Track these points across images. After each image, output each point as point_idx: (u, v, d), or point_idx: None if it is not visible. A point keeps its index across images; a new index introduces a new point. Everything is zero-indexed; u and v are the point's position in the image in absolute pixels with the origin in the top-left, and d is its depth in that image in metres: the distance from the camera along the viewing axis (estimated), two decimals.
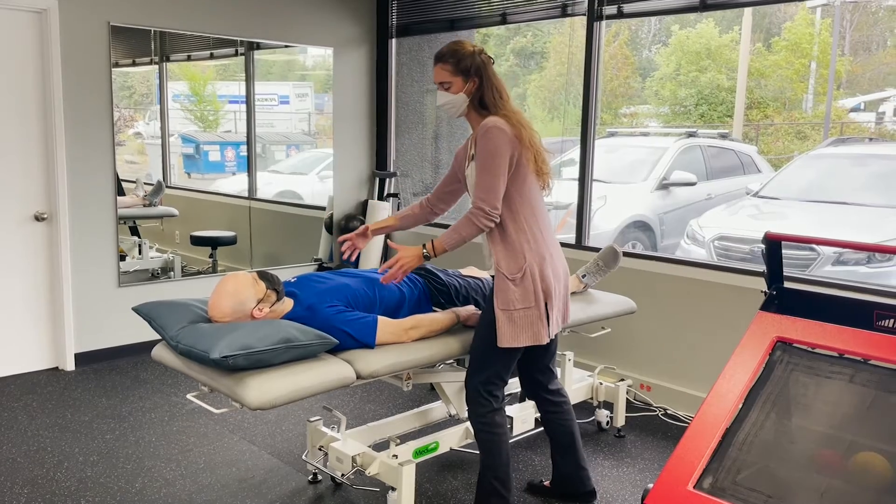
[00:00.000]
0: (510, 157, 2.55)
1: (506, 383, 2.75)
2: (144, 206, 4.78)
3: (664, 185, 6.42)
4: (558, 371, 3.51)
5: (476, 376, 2.71)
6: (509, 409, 3.29)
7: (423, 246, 2.62)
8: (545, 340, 2.64)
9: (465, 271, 3.32)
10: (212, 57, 4.94)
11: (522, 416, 3.27)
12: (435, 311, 2.98)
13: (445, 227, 5.16)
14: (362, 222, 5.60)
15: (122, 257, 4.67)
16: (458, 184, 2.90)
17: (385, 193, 5.72)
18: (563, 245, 4.42)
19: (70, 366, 4.49)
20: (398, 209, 5.68)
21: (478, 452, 3.39)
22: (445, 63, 2.60)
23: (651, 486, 2.07)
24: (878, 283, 3.91)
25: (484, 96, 2.62)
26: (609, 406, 3.82)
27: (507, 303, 2.61)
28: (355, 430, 3.04)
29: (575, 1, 4.39)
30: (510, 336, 2.62)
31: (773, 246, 2.51)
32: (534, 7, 4.63)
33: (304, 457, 3.18)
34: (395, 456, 2.76)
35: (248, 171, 5.22)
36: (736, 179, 6.73)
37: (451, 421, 3.19)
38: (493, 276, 2.72)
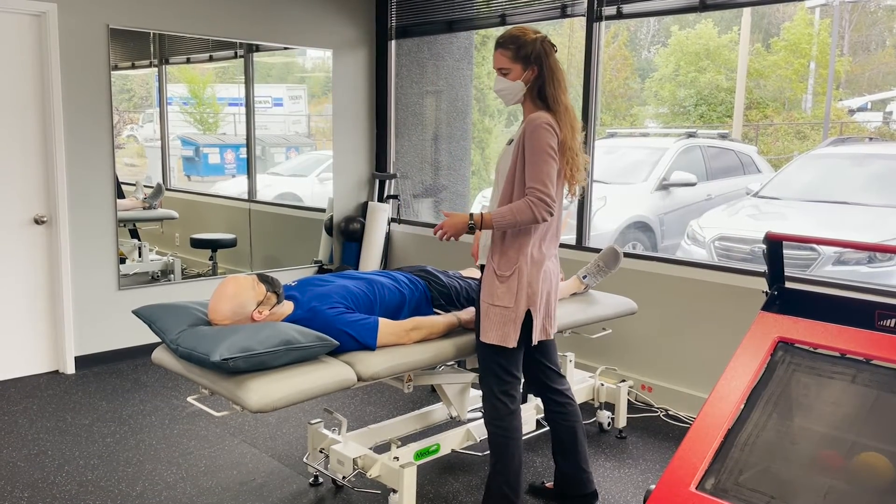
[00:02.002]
0: (557, 150, 2.49)
1: (519, 380, 2.70)
2: (144, 208, 4.77)
3: (664, 186, 6.42)
4: None
5: (486, 378, 2.69)
6: None
7: (471, 216, 2.53)
8: (511, 344, 2.59)
9: (465, 273, 3.32)
10: (211, 59, 4.94)
11: (524, 418, 3.26)
12: (436, 313, 2.98)
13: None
14: (362, 224, 5.59)
15: (122, 260, 4.66)
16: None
17: (385, 195, 5.72)
18: (564, 246, 4.41)
19: (70, 369, 4.48)
20: (398, 211, 5.68)
21: (479, 454, 3.39)
22: (505, 49, 2.52)
23: (653, 487, 2.06)
24: (879, 283, 3.91)
25: (544, 87, 2.53)
26: (610, 407, 3.82)
27: (489, 296, 2.60)
28: (356, 432, 3.03)
29: (574, 2, 4.39)
30: (483, 330, 2.61)
31: (775, 246, 2.51)
32: (533, 8, 4.63)
33: (304, 459, 3.18)
34: (397, 458, 2.75)
35: (248, 174, 5.22)
36: (736, 180, 6.73)
37: (452, 423, 3.18)
38: (482, 266, 2.70)
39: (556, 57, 2.56)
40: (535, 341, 2.64)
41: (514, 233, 2.57)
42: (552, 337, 2.74)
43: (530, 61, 2.52)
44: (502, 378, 2.67)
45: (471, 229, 2.55)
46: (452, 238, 2.59)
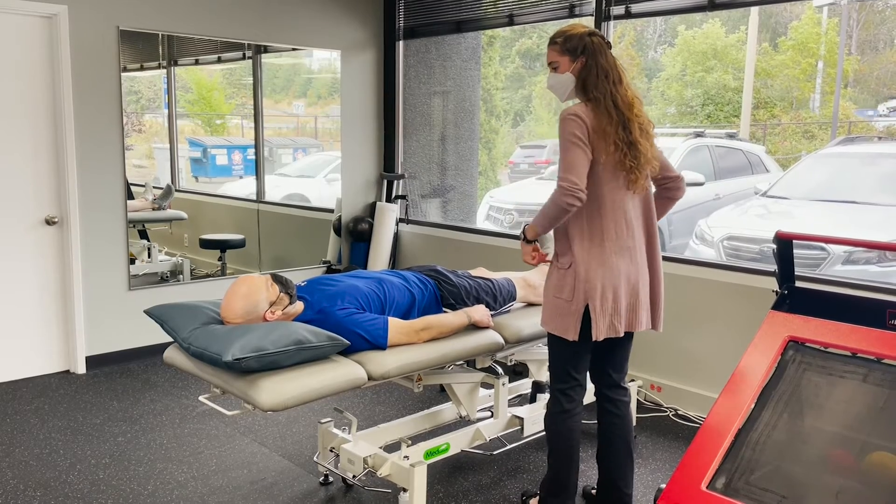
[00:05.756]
0: (585, 138, 2.43)
1: (578, 383, 2.63)
2: (153, 209, 4.80)
3: None
4: None
5: (550, 369, 2.67)
6: (518, 410, 3.29)
7: (522, 229, 2.62)
8: (570, 336, 2.53)
9: (474, 272, 3.33)
10: (219, 61, 4.96)
11: (533, 418, 3.27)
12: (446, 311, 2.98)
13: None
14: (370, 224, 5.60)
15: (132, 261, 4.68)
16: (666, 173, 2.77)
17: (393, 195, 5.73)
18: None
19: (81, 369, 4.50)
20: (406, 211, 5.69)
21: (488, 453, 3.40)
22: (554, 43, 2.54)
23: (664, 486, 2.07)
24: (889, 282, 3.90)
25: (587, 78, 2.49)
26: None
27: (550, 287, 2.60)
28: (366, 431, 3.04)
29: (582, 1, 4.39)
30: (545, 318, 2.61)
31: (785, 245, 2.51)
32: (541, 8, 4.63)
33: (315, 458, 3.19)
34: (407, 457, 2.76)
35: (257, 175, 5.24)
36: (744, 179, 6.72)
37: (462, 422, 3.19)
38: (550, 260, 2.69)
39: (611, 53, 2.52)
40: (596, 336, 2.52)
41: (567, 228, 2.55)
42: (621, 334, 2.57)
43: (577, 53, 2.50)
44: (560, 377, 2.63)
45: (528, 241, 2.60)
46: (536, 257, 2.65)
